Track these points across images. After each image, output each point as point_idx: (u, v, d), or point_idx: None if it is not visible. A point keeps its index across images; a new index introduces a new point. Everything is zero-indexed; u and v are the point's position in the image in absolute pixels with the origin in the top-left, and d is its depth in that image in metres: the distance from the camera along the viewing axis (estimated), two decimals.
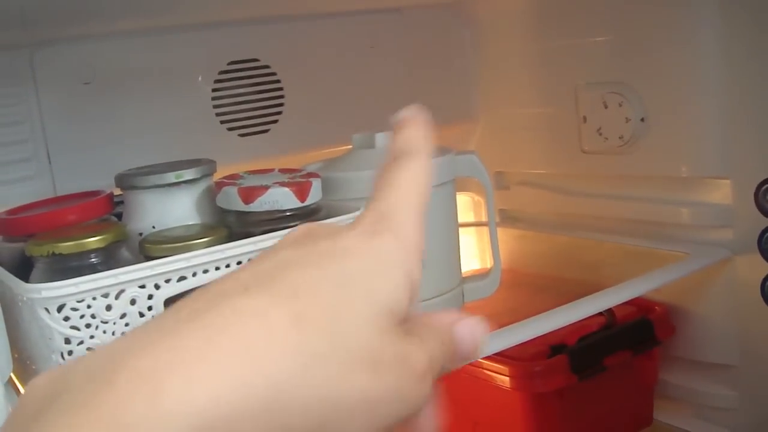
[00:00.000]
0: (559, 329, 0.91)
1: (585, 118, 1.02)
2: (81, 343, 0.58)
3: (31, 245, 0.63)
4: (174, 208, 0.71)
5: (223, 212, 0.71)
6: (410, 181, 0.34)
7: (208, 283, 0.30)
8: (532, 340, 0.89)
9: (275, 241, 0.63)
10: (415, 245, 0.32)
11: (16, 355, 0.70)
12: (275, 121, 1.01)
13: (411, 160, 0.35)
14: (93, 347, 0.59)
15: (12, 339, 0.64)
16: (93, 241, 0.63)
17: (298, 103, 1.02)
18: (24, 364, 0.68)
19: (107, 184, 0.75)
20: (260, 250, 0.64)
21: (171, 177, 0.70)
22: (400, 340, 0.30)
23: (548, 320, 0.78)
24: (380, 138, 0.80)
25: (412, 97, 1.12)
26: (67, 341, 0.58)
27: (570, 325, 0.92)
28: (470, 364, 0.90)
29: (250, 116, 0.99)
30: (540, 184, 1.13)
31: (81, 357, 0.28)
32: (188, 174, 0.71)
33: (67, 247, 0.62)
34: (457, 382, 0.95)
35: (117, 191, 0.75)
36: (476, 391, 0.92)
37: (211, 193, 0.72)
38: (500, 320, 0.79)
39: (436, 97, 1.14)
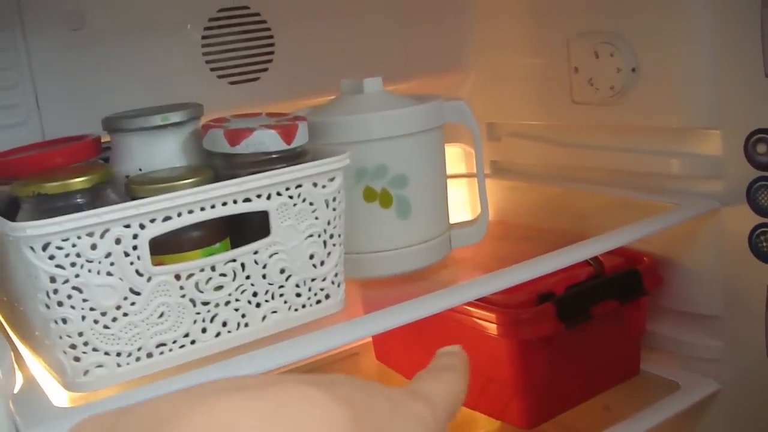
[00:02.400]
0: (547, 278, 0.92)
1: (576, 69, 1.02)
2: (66, 281, 0.59)
3: (17, 186, 0.63)
4: (160, 150, 0.71)
5: (210, 155, 0.71)
6: (450, 386, 0.37)
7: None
8: (519, 288, 0.90)
9: (261, 182, 0.64)
10: (441, 428, 0.35)
11: (5, 298, 0.71)
12: (265, 69, 1.01)
13: (453, 375, 0.38)
14: (78, 286, 0.59)
15: (0, 281, 0.65)
16: (78, 182, 0.63)
17: (288, 51, 1.02)
18: (12, 307, 0.69)
19: (95, 131, 0.74)
20: (245, 191, 0.65)
21: (157, 119, 0.70)
22: None
23: (533, 267, 0.78)
24: (369, 83, 0.80)
25: (404, 44, 1.12)
26: (53, 280, 0.58)
27: (558, 274, 0.93)
28: (457, 312, 0.90)
29: (239, 64, 0.99)
30: (531, 135, 1.13)
31: (128, 408, 0.29)
32: (175, 117, 0.71)
33: (52, 187, 0.62)
34: (443, 329, 0.95)
35: (105, 138, 0.74)
36: (464, 338, 0.93)
37: (198, 137, 0.72)
38: (488, 268, 0.79)
39: (427, 46, 1.13)
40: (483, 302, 0.89)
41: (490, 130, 1.18)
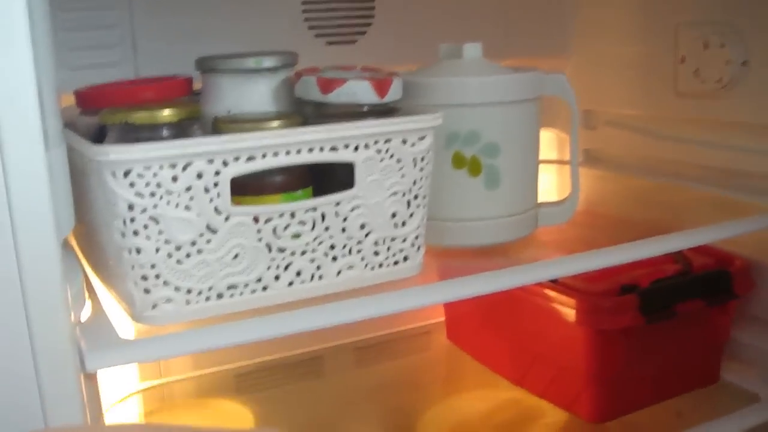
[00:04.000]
0: (632, 271, 0.89)
1: (683, 59, 0.98)
2: (144, 211, 0.58)
3: (105, 114, 0.63)
4: (251, 94, 0.70)
5: (300, 105, 0.70)
6: None
7: None
8: (602, 278, 0.87)
9: (350, 132, 0.63)
10: None
11: (84, 230, 0.71)
12: (363, 33, 0.99)
13: None
14: (155, 217, 0.58)
15: (80, 211, 0.64)
16: (166, 115, 0.62)
17: (388, 16, 1.00)
18: (89, 238, 0.68)
19: None
20: (334, 139, 0.63)
21: (251, 62, 0.69)
22: None
23: (618, 253, 0.75)
24: (468, 48, 0.78)
25: (506, 24, 1.09)
26: (130, 208, 0.57)
27: (643, 268, 0.90)
28: (535, 294, 0.88)
29: (338, 24, 0.98)
30: (628, 126, 1.09)
31: None
32: (268, 62, 0.70)
33: (139, 117, 0.61)
34: (519, 312, 0.93)
35: (197, 85, 0.74)
36: (539, 323, 0.90)
37: (290, 85, 0.70)
38: (571, 252, 0.76)
39: (529, 27, 1.10)
40: (563, 287, 0.86)
41: (586, 117, 1.14)
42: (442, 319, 1.15)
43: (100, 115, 0.64)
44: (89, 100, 0.71)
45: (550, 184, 1.16)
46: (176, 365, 1.05)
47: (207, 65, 0.70)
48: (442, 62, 0.79)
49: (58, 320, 0.52)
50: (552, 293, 0.85)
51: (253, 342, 0.60)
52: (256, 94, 0.70)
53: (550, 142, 1.16)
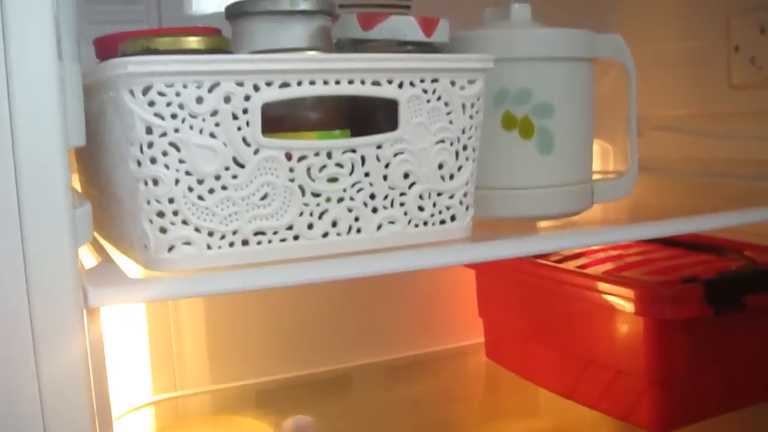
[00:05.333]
0: (693, 266, 0.82)
1: (737, 48, 0.92)
2: (164, 135, 0.51)
3: (126, 43, 0.57)
4: (285, 39, 0.63)
5: (339, 49, 0.64)
6: None
7: None
8: (661, 273, 0.80)
9: (393, 64, 0.56)
10: None
11: (94, 195, 0.64)
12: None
13: None
14: (176, 143, 0.51)
15: (97, 153, 0.59)
16: (192, 41, 0.56)
17: None
18: (100, 201, 0.62)
19: None
20: (376, 70, 0.57)
21: (285, 3, 0.63)
22: None
23: (670, 224, 0.68)
24: (516, 9, 0.72)
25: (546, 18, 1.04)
26: (149, 131, 0.51)
27: (705, 263, 0.83)
28: (591, 290, 0.80)
29: None
30: (678, 128, 1.02)
31: None
32: (305, 3, 0.64)
33: (163, 42, 0.55)
34: (571, 314, 0.85)
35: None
36: (593, 323, 0.82)
37: (327, 34, 0.64)
38: None
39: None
40: (620, 280, 0.79)
41: None
42: (480, 339, 1.07)
43: (120, 47, 0.58)
44: (109, 45, 0.65)
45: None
46: (192, 378, 0.98)
47: (237, 9, 0.65)
48: (488, 25, 0.73)
49: (60, 236, 0.46)
50: (609, 286, 0.78)
51: (272, 287, 0.53)
52: (290, 38, 0.64)
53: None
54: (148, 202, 0.52)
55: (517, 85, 0.67)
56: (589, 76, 0.72)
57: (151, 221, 0.52)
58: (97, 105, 0.56)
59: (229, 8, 0.65)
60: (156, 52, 0.55)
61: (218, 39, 0.58)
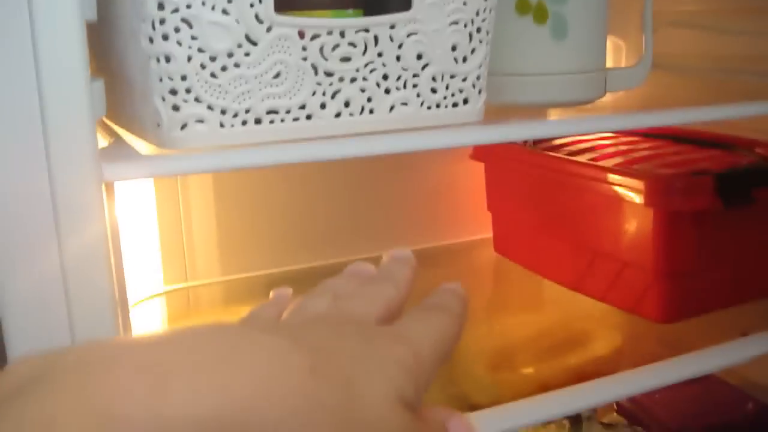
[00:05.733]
0: (703, 161, 0.82)
1: None
2: (176, 11, 0.50)
3: None
4: None
5: None
6: (441, 328, 0.36)
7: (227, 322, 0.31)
8: (672, 165, 0.80)
9: None
10: (427, 373, 0.33)
11: (114, 70, 0.64)
12: None
13: (445, 316, 0.37)
14: (188, 19, 0.51)
15: (107, 35, 0.58)
16: None
17: None
18: (113, 87, 0.62)
19: None
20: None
21: None
22: (406, 421, 0.30)
23: (680, 113, 0.68)
24: None
25: None
26: (161, 6, 0.50)
27: (716, 158, 0.83)
28: (601, 181, 0.80)
29: None
30: (694, 23, 1.01)
31: (74, 346, 0.28)
32: None
33: None
34: (579, 205, 0.85)
35: None
36: (602, 214, 0.82)
37: None
38: None
39: None
40: (630, 171, 0.78)
41: None
42: (489, 234, 1.08)
43: None
44: None
45: None
46: (203, 269, 0.98)
47: None
48: None
49: (79, 108, 0.46)
50: (619, 177, 0.78)
51: (283, 163, 0.54)
52: None
53: None
54: (161, 80, 0.52)
55: None
56: None
57: (163, 98, 0.52)
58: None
59: None
60: None
61: None
